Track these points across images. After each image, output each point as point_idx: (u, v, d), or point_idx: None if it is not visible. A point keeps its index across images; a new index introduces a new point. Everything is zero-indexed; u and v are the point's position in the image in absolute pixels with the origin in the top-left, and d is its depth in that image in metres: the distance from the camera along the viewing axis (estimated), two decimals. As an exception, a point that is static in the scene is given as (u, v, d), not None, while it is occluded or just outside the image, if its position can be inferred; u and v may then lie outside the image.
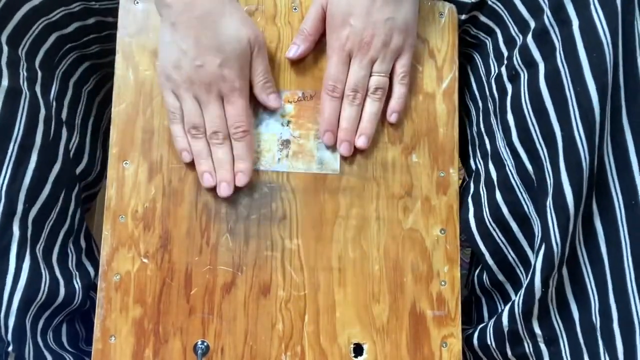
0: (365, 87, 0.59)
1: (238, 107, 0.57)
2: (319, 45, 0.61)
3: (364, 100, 0.59)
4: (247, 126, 0.58)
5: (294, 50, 0.60)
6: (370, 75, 0.59)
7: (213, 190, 0.59)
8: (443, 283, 0.60)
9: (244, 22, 0.56)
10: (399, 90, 0.60)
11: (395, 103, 0.60)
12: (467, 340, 0.64)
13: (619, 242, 0.51)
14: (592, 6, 0.49)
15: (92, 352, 0.58)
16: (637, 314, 0.50)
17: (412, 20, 0.59)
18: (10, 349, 0.57)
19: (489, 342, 0.60)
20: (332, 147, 0.60)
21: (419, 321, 0.59)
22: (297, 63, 0.61)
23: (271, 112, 0.61)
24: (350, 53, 0.58)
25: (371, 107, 0.59)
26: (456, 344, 0.59)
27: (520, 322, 0.56)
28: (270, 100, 0.60)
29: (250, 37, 0.56)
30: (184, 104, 0.57)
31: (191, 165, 0.59)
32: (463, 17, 0.63)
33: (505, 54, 0.60)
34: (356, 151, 0.61)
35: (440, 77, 0.62)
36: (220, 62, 0.55)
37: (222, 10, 0.55)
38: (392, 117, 0.60)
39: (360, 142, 0.59)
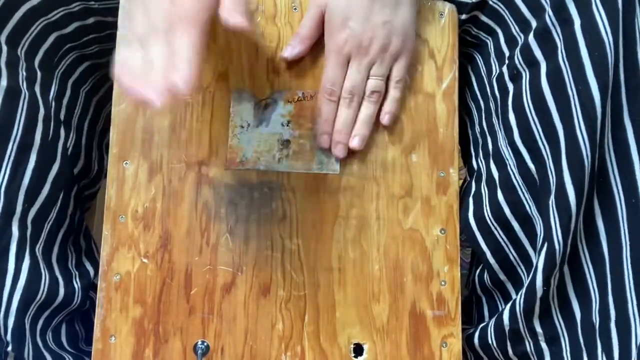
0: (362, 91, 0.59)
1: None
2: (319, 46, 0.61)
3: (360, 103, 0.60)
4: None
5: (289, 51, 0.60)
6: (367, 78, 0.59)
7: (213, 190, 0.59)
8: (443, 283, 0.60)
9: None
10: (393, 93, 0.60)
11: (389, 105, 0.60)
12: (467, 340, 0.64)
13: (619, 241, 0.51)
14: (593, 5, 0.50)
15: (92, 352, 0.58)
16: (634, 313, 0.50)
17: (411, 24, 0.59)
18: (9, 349, 0.57)
19: (490, 341, 0.60)
20: (329, 149, 0.61)
21: (419, 321, 0.59)
22: (297, 63, 0.61)
23: (271, 112, 0.61)
24: (348, 56, 0.58)
25: (367, 109, 0.60)
26: (456, 344, 0.59)
27: (522, 321, 0.56)
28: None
29: None
30: (134, 19, 0.48)
31: (191, 165, 0.59)
32: (463, 16, 0.63)
33: (507, 53, 0.60)
34: (356, 151, 0.61)
35: (440, 77, 0.62)
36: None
37: None
38: (385, 119, 0.60)
39: (355, 143, 0.60)
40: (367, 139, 0.61)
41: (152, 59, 0.44)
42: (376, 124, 0.61)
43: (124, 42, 0.51)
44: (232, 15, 0.46)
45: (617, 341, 0.51)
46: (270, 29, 0.61)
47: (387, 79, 0.60)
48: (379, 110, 0.61)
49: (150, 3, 0.47)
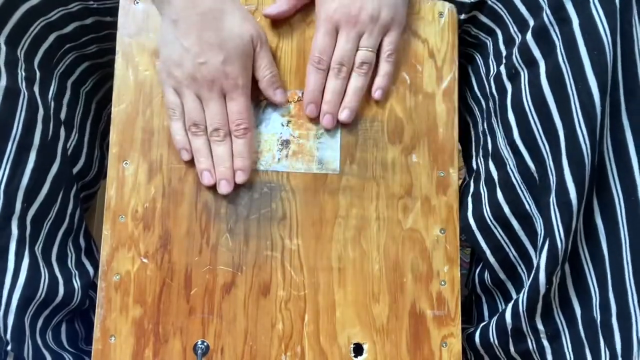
0: (352, 61, 0.59)
1: (240, 104, 0.57)
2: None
3: (350, 74, 0.59)
4: (248, 123, 0.58)
5: (273, 8, 0.60)
6: (357, 50, 0.58)
7: (213, 190, 0.59)
8: (443, 283, 0.60)
9: (245, 18, 0.56)
10: (384, 67, 0.60)
11: (380, 80, 0.60)
12: (468, 339, 0.64)
13: (618, 238, 0.51)
14: (591, 4, 0.50)
15: (92, 352, 0.58)
16: (634, 307, 0.50)
17: None
18: (9, 348, 0.57)
19: (491, 340, 0.61)
20: (331, 147, 0.60)
21: (419, 321, 0.60)
22: (297, 63, 0.61)
23: (271, 112, 0.61)
24: (337, 26, 0.58)
25: (356, 81, 0.59)
26: (456, 343, 0.59)
27: (524, 319, 0.56)
28: (276, 95, 0.60)
29: (253, 33, 0.56)
30: (185, 101, 0.57)
31: (191, 165, 0.59)
32: (463, 16, 0.63)
33: (504, 53, 0.60)
34: (356, 151, 0.61)
35: (440, 77, 0.62)
36: (223, 59, 0.55)
37: (224, 7, 0.55)
38: (376, 94, 0.60)
39: (344, 115, 0.59)
40: (367, 139, 0.60)
41: (220, 154, 0.57)
42: (375, 121, 0.61)
43: (176, 119, 0.58)
44: (274, 97, 0.60)
45: (619, 335, 0.51)
46: (270, 29, 0.61)
47: (378, 53, 0.60)
48: (370, 85, 0.60)
49: (207, 100, 0.57)
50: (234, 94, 0.57)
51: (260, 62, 0.58)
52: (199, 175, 0.58)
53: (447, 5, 0.63)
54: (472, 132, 0.67)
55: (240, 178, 0.58)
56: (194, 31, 0.54)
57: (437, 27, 0.63)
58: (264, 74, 0.58)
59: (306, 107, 0.60)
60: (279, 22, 0.61)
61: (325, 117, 0.59)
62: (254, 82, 0.59)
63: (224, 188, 0.58)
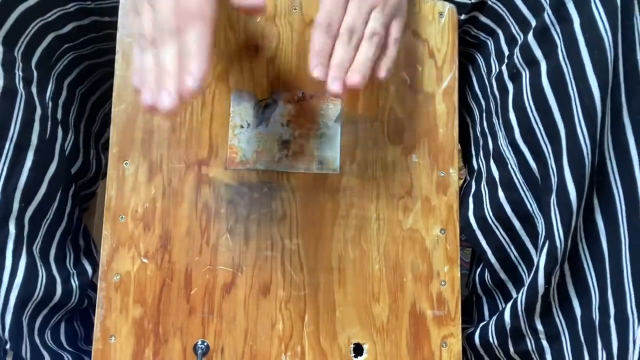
0: (362, 33, 0.52)
1: None
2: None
3: (359, 45, 0.52)
4: (201, 17, 0.45)
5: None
6: (368, 22, 0.52)
7: (213, 190, 0.59)
8: (443, 283, 0.60)
9: None
10: (391, 50, 0.54)
11: (387, 61, 0.54)
12: (468, 339, 0.64)
13: (618, 238, 0.51)
14: (592, 4, 0.50)
15: (92, 352, 0.58)
16: (632, 309, 0.50)
17: None
18: (7, 346, 0.57)
19: (491, 340, 0.61)
20: (331, 147, 0.60)
21: (419, 321, 0.60)
22: (297, 63, 0.61)
23: (271, 112, 0.61)
24: None
25: (367, 51, 0.51)
26: (456, 343, 0.60)
27: (523, 319, 0.56)
28: None
29: None
30: (142, 18, 0.48)
31: (191, 165, 0.59)
32: (463, 17, 0.63)
33: (506, 52, 0.60)
34: (356, 151, 0.61)
35: (440, 77, 0.62)
36: None
37: None
38: (382, 74, 0.53)
39: (355, 79, 0.49)
40: (367, 139, 0.61)
41: (164, 60, 0.44)
42: (375, 121, 0.61)
43: (136, 45, 0.47)
44: None
45: (616, 337, 0.51)
46: (270, 29, 0.61)
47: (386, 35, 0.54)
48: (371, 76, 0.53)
49: (157, 2, 0.46)
50: None
51: None
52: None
53: (447, 5, 0.63)
54: (471, 132, 0.68)
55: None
56: None
57: (437, 27, 0.63)
58: None
59: (313, 69, 0.49)
60: (278, 22, 0.61)
61: (335, 82, 0.49)
62: (256, 78, 0.58)
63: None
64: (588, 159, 0.50)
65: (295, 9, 0.62)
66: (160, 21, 0.45)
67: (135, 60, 0.47)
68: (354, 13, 0.51)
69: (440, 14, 0.63)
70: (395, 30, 0.54)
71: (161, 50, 0.45)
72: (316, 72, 0.49)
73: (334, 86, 0.49)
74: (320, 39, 0.50)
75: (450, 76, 0.62)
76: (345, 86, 0.49)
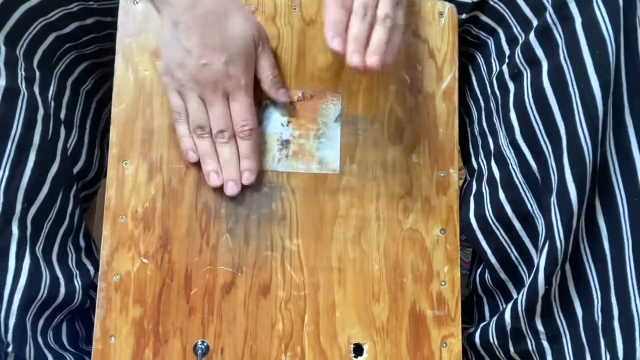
0: (374, 11, 0.52)
1: (244, 105, 0.57)
2: (318, 46, 0.61)
3: (373, 25, 0.52)
4: (252, 124, 0.58)
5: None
6: (378, 3, 0.52)
7: (213, 190, 0.59)
8: (443, 283, 0.60)
9: (247, 19, 0.56)
10: (396, 37, 0.54)
11: (392, 47, 0.54)
12: (468, 339, 0.64)
13: (621, 239, 0.51)
14: (594, 3, 0.49)
15: (92, 352, 0.58)
16: (637, 311, 0.50)
17: None
18: (10, 349, 0.57)
19: (491, 340, 0.60)
20: (331, 147, 0.60)
21: (419, 321, 0.60)
22: (297, 63, 0.61)
23: (271, 112, 0.61)
24: None
25: (380, 34, 0.51)
26: (456, 344, 0.59)
27: (523, 320, 0.56)
28: (279, 95, 0.60)
29: (255, 33, 0.56)
30: (189, 104, 0.57)
31: (191, 165, 0.59)
32: (464, 16, 0.63)
33: (507, 52, 0.60)
34: (356, 151, 0.61)
35: (440, 77, 0.62)
36: (226, 60, 0.55)
37: (225, 8, 0.55)
38: (388, 58, 0.53)
39: (373, 60, 0.50)
40: (367, 139, 0.61)
41: (226, 155, 0.58)
42: (375, 121, 0.61)
43: (182, 122, 0.58)
44: (277, 97, 0.59)
45: (621, 339, 0.51)
46: (270, 29, 0.61)
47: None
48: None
49: (209, 101, 0.56)
50: (237, 95, 0.56)
51: (262, 62, 0.58)
52: (206, 177, 0.58)
53: (447, 5, 0.63)
54: (469, 131, 0.67)
55: (248, 179, 0.58)
56: (195, 32, 0.54)
57: (437, 27, 0.63)
58: (267, 75, 0.58)
59: (331, 40, 0.50)
60: (278, 22, 0.61)
61: (355, 55, 0.50)
62: (256, 82, 0.59)
63: (231, 190, 0.58)
64: (589, 159, 0.50)
65: (295, 9, 0.62)
66: (219, 122, 0.57)
67: (181, 132, 0.58)
68: None
69: (440, 14, 0.63)
70: (399, 16, 0.54)
71: (221, 146, 0.58)
72: (335, 44, 0.50)
73: (354, 59, 0.50)
74: (335, 9, 0.51)
75: (450, 76, 0.62)
76: (364, 63, 0.50)
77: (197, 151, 0.58)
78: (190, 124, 0.58)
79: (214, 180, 0.58)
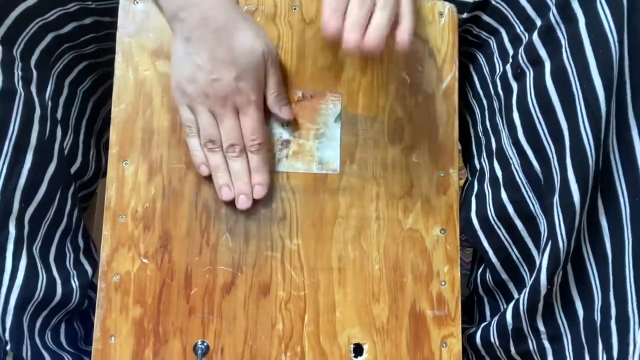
0: None
1: (254, 119, 0.57)
2: (318, 46, 0.61)
3: (372, 12, 0.51)
4: (262, 139, 0.58)
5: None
6: None
7: (213, 190, 0.59)
8: (443, 283, 0.60)
9: (257, 35, 0.56)
10: (407, 21, 0.52)
11: (403, 32, 0.52)
12: (469, 339, 0.64)
13: (622, 239, 0.51)
14: (598, 3, 0.49)
15: (92, 353, 0.58)
16: (633, 311, 0.50)
17: None
18: (8, 348, 0.57)
19: (492, 340, 0.61)
20: (331, 147, 0.60)
21: (419, 321, 0.60)
22: (297, 63, 0.61)
23: (271, 112, 0.61)
24: None
25: (380, 19, 0.51)
26: (456, 344, 0.60)
27: (525, 320, 0.56)
28: (282, 112, 0.60)
29: (265, 49, 0.56)
30: (200, 118, 0.57)
31: (191, 165, 0.59)
32: (465, 15, 0.63)
33: (511, 52, 0.60)
34: (356, 151, 0.61)
35: (440, 77, 0.62)
36: (236, 76, 0.55)
37: (236, 24, 0.55)
38: (404, 38, 0.52)
39: (372, 43, 0.50)
40: (367, 139, 0.61)
41: (237, 169, 0.58)
42: (375, 121, 0.61)
43: (193, 135, 0.58)
44: (279, 113, 0.59)
45: (616, 339, 0.51)
46: (270, 29, 0.61)
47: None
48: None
49: (220, 115, 0.56)
50: (247, 110, 0.57)
51: (269, 79, 0.58)
52: (218, 191, 0.59)
53: (448, 5, 0.63)
54: (472, 131, 0.68)
55: (259, 193, 0.59)
56: (206, 48, 0.54)
57: (437, 27, 0.63)
58: (271, 92, 0.58)
59: (327, 23, 0.50)
60: (278, 22, 0.61)
61: (350, 41, 0.49)
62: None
63: (243, 203, 0.58)
64: (592, 159, 0.50)
65: (295, 9, 0.62)
66: (230, 136, 0.57)
67: (193, 147, 0.58)
68: None
69: (441, 14, 0.63)
70: (405, 2, 0.52)
71: (232, 160, 0.58)
72: (331, 27, 0.50)
73: (349, 44, 0.50)
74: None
75: (450, 76, 0.62)
76: (360, 47, 0.50)
77: (208, 165, 0.59)
78: (201, 138, 0.58)
79: (226, 194, 0.58)
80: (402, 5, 0.53)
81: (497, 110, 0.62)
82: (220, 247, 0.59)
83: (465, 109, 0.68)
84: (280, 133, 0.61)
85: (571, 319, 0.55)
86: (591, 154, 0.50)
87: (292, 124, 0.61)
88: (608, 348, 0.51)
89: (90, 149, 0.68)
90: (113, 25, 0.61)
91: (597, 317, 0.52)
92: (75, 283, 0.63)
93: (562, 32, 0.53)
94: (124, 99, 0.60)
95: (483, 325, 0.63)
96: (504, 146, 0.60)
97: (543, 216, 0.56)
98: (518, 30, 0.59)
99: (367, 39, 0.50)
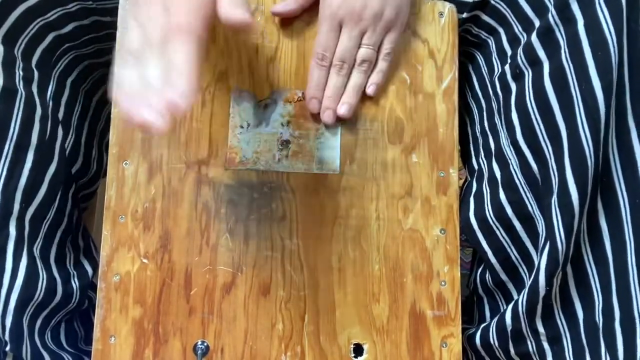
0: (353, 59, 0.59)
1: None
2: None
3: (351, 71, 0.60)
4: (187, 29, 0.45)
5: (282, 7, 0.61)
6: (359, 47, 0.59)
7: (213, 190, 0.59)
8: (443, 283, 0.60)
9: None
10: (381, 65, 0.61)
11: (375, 76, 0.61)
12: (469, 340, 0.64)
13: (623, 241, 0.51)
14: (597, 4, 0.49)
15: (92, 353, 0.58)
16: (639, 313, 0.50)
17: None
18: (7, 348, 0.57)
19: (491, 341, 0.61)
20: (331, 147, 0.60)
21: (419, 321, 0.60)
22: (297, 63, 0.61)
23: (271, 112, 0.61)
24: (341, 22, 0.58)
25: (356, 78, 0.60)
26: (456, 344, 0.60)
27: (524, 321, 0.56)
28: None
29: None
30: (129, 35, 0.47)
31: (191, 165, 0.59)
32: (464, 15, 0.63)
33: (509, 52, 0.60)
34: (356, 151, 0.61)
35: (440, 77, 0.62)
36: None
37: None
38: (370, 89, 0.61)
39: (343, 110, 0.60)
40: (367, 139, 0.61)
41: (149, 76, 0.43)
42: (375, 121, 0.61)
43: (120, 60, 0.47)
44: (232, 11, 0.45)
45: (621, 341, 0.51)
46: (270, 29, 0.61)
47: (378, 50, 0.60)
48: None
49: (143, 16, 0.46)
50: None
51: None
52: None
53: (447, 5, 0.63)
54: (470, 131, 0.68)
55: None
56: None
57: (437, 27, 0.63)
58: None
59: (309, 102, 0.60)
60: (278, 23, 0.61)
61: (326, 113, 0.60)
62: (258, 82, 0.59)
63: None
64: (591, 160, 0.50)
65: None
66: (147, 36, 0.45)
67: (117, 74, 0.46)
68: (345, 42, 0.59)
69: (440, 14, 0.63)
70: (387, 43, 0.60)
71: (146, 65, 0.44)
72: (311, 106, 0.60)
73: (325, 117, 0.60)
74: (315, 73, 0.60)
75: (450, 76, 0.62)
76: (336, 116, 0.60)
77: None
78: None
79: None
80: (383, 46, 0.60)
81: (495, 110, 0.62)
82: (220, 247, 0.59)
83: (464, 109, 0.68)
84: (280, 133, 0.61)
85: (571, 321, 0.54)
86: (590, 155, 0.50)
87: (292, 124, 0.61)
88: (612, 350, 0.51)
89: (92, 149, 0.68)
90: (113, 25, 0.61)
91: (599, 318, 0.52)
92: (75, 283, 0.63)
93: (561, 33, 0.53)
94: None
95: (483, 326, 0.63)
96: (503, 146, 0.60)
97: (541, 217, 0.56)
98: (516, 31, 0.59)
99: (339, 110, 0.60)
